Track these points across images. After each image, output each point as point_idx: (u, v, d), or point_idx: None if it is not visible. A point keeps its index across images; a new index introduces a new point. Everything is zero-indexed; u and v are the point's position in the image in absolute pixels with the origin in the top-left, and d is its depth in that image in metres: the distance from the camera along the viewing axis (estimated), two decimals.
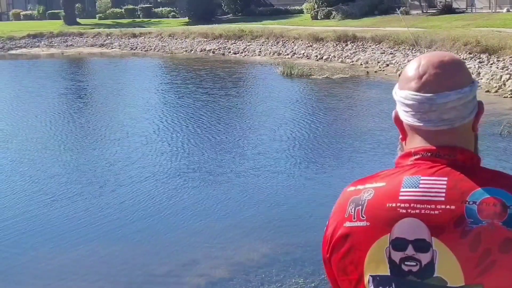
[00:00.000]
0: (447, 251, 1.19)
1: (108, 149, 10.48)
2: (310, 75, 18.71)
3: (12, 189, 8.34)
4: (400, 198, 1.24)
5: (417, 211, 1.22)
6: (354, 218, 1.28)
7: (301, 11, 36.93)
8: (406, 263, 1.21)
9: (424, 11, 28.61)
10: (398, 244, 1.22)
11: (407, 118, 1.31)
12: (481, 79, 15.30)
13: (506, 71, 14.99)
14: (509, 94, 13.62)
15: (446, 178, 1.24)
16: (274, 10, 39.88)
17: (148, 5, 47.99)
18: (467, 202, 1.21)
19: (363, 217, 1.27)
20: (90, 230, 6.75)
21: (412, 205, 1.23)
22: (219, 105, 14.86)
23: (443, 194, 1.22)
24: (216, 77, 20.20)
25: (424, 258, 1.20)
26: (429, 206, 1.22)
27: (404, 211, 1.23)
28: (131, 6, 48.08)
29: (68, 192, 8.10)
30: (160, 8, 47.00)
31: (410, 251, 1.21)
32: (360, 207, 1.28)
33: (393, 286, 1.23)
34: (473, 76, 1.35)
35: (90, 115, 14.34)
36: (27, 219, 7.14)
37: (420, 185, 1.24)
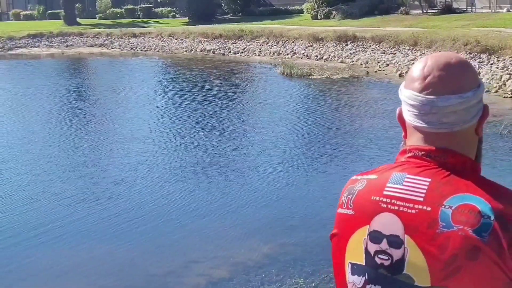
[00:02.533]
0: (418, 250, 1.21)
1: (108, 149, 10.48)
2: (310, 75, 18.71)
3: (12, 189, 8.34)
4: (384, 193, 1.28)
5: (396, 207, 1.25)
6: (344, 206, 1.34)
7: (301, 11, 36.92)
8: (379, 256, 1.25)
9: (424, 11, 28.61)
10: (375, 236, 1.26)
11: (409, 117, 1.33)
12: (481, 79, 15.24)
13: (506, 71, 14.99)
14: (509, 94, 13.62)
15: (429, 179, 1.25)
16: (274, 10, 39.87)
17: (148, 5, 47.98)
18: (443, 206, 1.21)
19: (351, 205, 1.32)
20: (90, 230, 6.75)
21: (393, 201, 1.26)
22: (219, 105, 14.85)
23: (423, 195, 1.24)
24: (216, 77, 20.20)
25: (396, 254, 1.23)
26: (408, 205, 1.24)
27: (385, 205, 1.26)
28: (131, 6, 48.08)
29: (68, 192, 8.10)
30: (160, 8, 46.99)
31: (384, 245, 1.24)
32: (351, 196, 1.33)
33: (366, 276, 1.27)
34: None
35: (90, 115, 14.33)
36: (27, 219, 7.13)
37: (404, 183, 1.27)
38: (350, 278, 1.30)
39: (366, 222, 1.28)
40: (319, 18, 31.93)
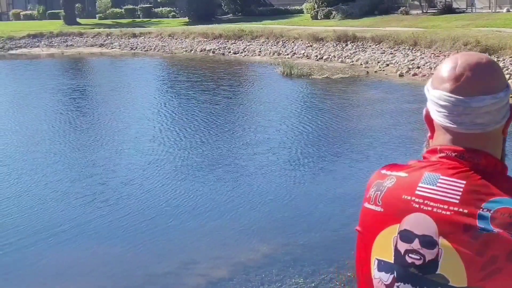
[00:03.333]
0: (453, 252, 1.20)
1: (108, 149, 10.48)
2: (310, 75, 18.71)
3: (12, 189, 8.34)
4: (417, 192, 1.26)
5: (430, 208, 1.24)
6: (371, 201, 1.33)
7: (301, 11, 36.92)
8: (410, 255, 1.24)
9: (424, 11, 28.61)
10: (406, 236, 1.25)
11: (439, 118, 1.31)
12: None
13: (506, 71, 14.99)
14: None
15: (464, 182, 1.24)
16: (274, 10, 39.86)
17: (148, 5, 47.98)
18: (481, 209, 1.21)
19: (379, 202, 1.31)
20: (90, 230, 6.75)
21: (426, 201, 1.25)
22: (218, 105, 14.85)
23: (458, 197, 1.23)
24: (216, 77, 20.20)
25: (429, 254, 1.22)
26: (442, 206, 1.23)
27: (417, 205, 1.25)
28: (131, 6, 48.07)
29: (68, 191, 8.10)
30: (160, 8, 46.99)
31: (416, 245, 1.23)
32: (380, 192, 1.32)
33: (395, 273, 1.26)
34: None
35: (90, 115, 14.34)
36: (27, 219, 7.14)
37: (438, 184, 1.25)
38: (377, 274, 1.30)
39: (396, 221, 1.27)
40: (319, 18, 31.92)
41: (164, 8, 46.65)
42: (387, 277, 1.28)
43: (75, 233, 6.69)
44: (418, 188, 1.27)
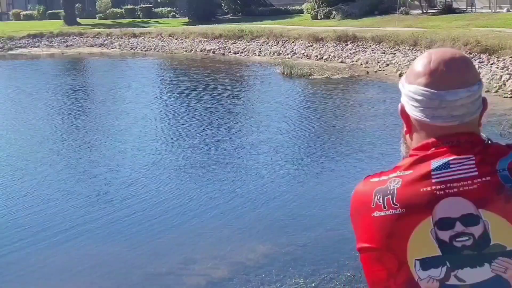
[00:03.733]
0: (498, 218, 1.23)
1: (108, 149, 10.48)
2: (310, 75, 18.70)
3: (12, 189, 8.34)
4: (434, 181, 1.26)
5: (455, 189, 1.25)
6: (384, 207, 1.28)
7: (301, 11, 36.91)
8: (457, 239, 1.23)
9: (424, 11, 28.60)
10: (444, 223, 1.24)
11: (415, 113, 1.32)
12: (481, 79, 15.29)
13: (506, 71, 14.98)
14: (509, 94, 13.62)
15: (471, 155, 1.27)
16: (274, 10, 39.85)
17: (148, 5, 47.97)
18: (498, 171, 1.25)
19: (396, 205, 1.27)
20: (90, 230, 6.75)
21: (448, 185, 1.25)
22: (218, 105, 14.85)
23: (475, 169, 1.26)
24: (216, 77, 20.20)
25: (476, 230, 1.23)
26: (466, 182, 1.25)
27: (441, 192, 1.25)
28: (131, 6, 48.08)
29: (69, 191, 8.10)
30: (160, 8, 46.98)
31: (459, 227, 1.23)
32: (390, 196, 1.28)
33: (448, 264, 1.24)
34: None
35: (90, 115, 14.33)
36: (27, 219, 7.14)
37: (451, 166, 1.27)
38: (423, 274, 1.26)
39: (425, 214, 1.25)
40: (319, 18, 31.92)
41: (164, 8, 46.64)
42: (438, 272, 1.25)
43: (75, 233, 6.69)
44: (433, 176, 1.27)
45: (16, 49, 34.10)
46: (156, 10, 46.71)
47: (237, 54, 26.74)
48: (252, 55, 25.98)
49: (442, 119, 1.29)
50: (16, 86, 19.93)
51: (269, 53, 25.45)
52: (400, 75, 17.50)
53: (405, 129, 1.38)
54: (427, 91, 1.29)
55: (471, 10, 27.31)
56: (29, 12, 53.88)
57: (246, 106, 14.94)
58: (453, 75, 1.29)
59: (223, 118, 13.12)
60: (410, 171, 1.30)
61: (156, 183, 8.35)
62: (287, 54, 24.47)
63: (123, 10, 47.39)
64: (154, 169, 9.03)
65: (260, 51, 26.18)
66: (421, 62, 1.33)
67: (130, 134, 11.64)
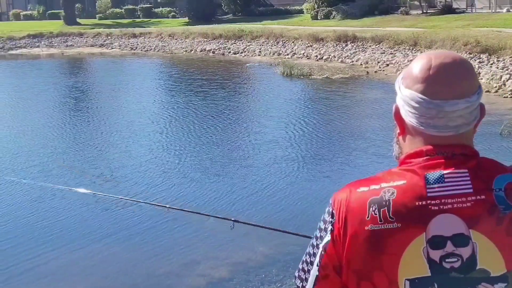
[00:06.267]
0: (487, 240, 1.19)
1: (108, 149, 10.48)
2: (310, 75, 18.71)
3: (12, 188, 8.34)
4: (429, 195, 1.21)
5: (449, 206, 1.20)
6: (380, 220, 1.21)
7: (301, 11, 36.93)
8: (446, 260, 1.19)
9: (424, 11, 28.61)
10: (436, 242, 1.19)
11: (410, 118, 1.28)
12: (481, 79, 15.29)
13: (506, 71, 14.98)
14: (509, 94, 13.62)
15: (465, 170, 1.23)
16: (274, 10, 39.88)
17: (148, 5, 47.99)
18: (494, 190, 1.21)
19: (392, 218, 1.21)
20: (90, 230, 6.75)
21: (443, 200, 1.21)
22: (218, 105, 14.85)
23: (470, 186, 1.21)
24: (216, 77, 20.20)
25: (465, 252, 1.19)
26: (460, 199, 1.20)
27: (436, 207, 1.20)
28: (131, 6, 48.10)
29: (68, 191, 8.09)
30: (160, 8, 47.00)
31: (449, 247, 1.19)
32: (386, 208, 1.22)
33: (436, 286, 1.19)
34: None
35: (90, 115, 14.33)
36: (27, 219, 7.13)
37: (446, 180, 1.22)
38: None
39: (420, 230, 1.19)
40: (319, 18, 31.93)
41: (164, 8, 46.66)
42: None
43: (75, 232, 6.69)
44: (428, 190, 1.21)
45: (16, 49, 34.11)
46: (156, 10, 46.72)
47: (237, 54, 26.74)
48: (252, 55, 25.98)
49: (437, 128, 1.25)
50: (15, 86, 19.93)
51: (269, 53, 25.46)
52: None
53: (398, 130, 1.34)
54: (424, 99, 1.24)
55: (471, 10, 27.32)
56: (29, 12, 53.90)
57: (246, 107, 14.94)
58: (453, 85, 1.24)
59: (222, 118, 13.12)
60: (404, 181, 1.24)
61: (155, 183, 8.35)
62: (287, 54, 24.48)
63: (123, 10, 47.41)
64: (154, 169, 9.02)
65: (260, 51, 26.19)
66: (420, 66, 1.27)
67: (129, 134, 11.63)
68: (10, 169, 9.35)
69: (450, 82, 1.24)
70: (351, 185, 1.31)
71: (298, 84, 17.67)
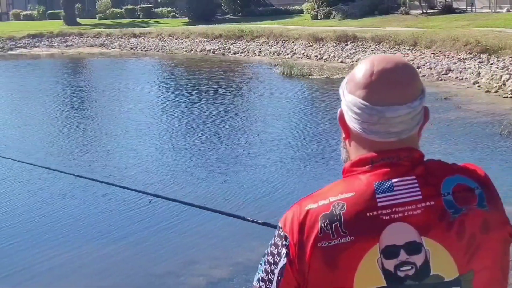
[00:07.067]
0: (438, 246, 1.19)
1: (108, 149, 10.48)
2: (310, 75, 18.71)
3: (12, 189, 8.34)
4: (379, 205, 1.20)
5: (400, 214, 1.20)
6: (333, 236, 1.20)
7: (301, 11, 36.95)
8: (401, 269, 1.19)
9: (424, 11, 28.61)
10: (390, 251, 1.19)
11: (353, 124, 1.27)
12: (481, 79, 15.30)
13: (506, 71, 14.98)
14: (509, 94, 13.61)
15: (413, 177, 1.23)
16: (274, 10, 39.90)
17: (148, 5, 48.02)
18: (442, 195, 1.21)
19: (344, 232, 1.20)
20: (90, 230, 6.75)
21: (394, 209, 1.20)
22: (218, 105, 14.85)
23: (419, 192, 1.21)
24: (216, 77, 20.20)
25: (418, 259, 1.19)
26: (410, 207, 1.20)
27: (387, 217, 1.20)
28: (131, 6, 48.12)
29: (68, 190, 8.10)
30: (160, 8, 47.02)
31: (403, 256, 1.18)
32: (338, 222, 1.20)
33: None
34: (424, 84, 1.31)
35: (90, 115, 14.34)
36: (27, 219, 7.13)
37: (395, 188, 1.21)
38: None
39: (373, 242, 1.19)
40: (319, 18, 31.95)
41: (164, 8, 46.67)
42: None
43: (75, 233, 6.69)
44: (378, 200, 1.20)
45: (16, 49, 34.12)
46: (156, 10, 46.75)
47: (237, 54, 26.75)
48: (252, 55, 25.99)
49: (379, 135, 1.24)
50: (15, 86, 19.92)
51: (269, 53, 25.46)
52: None
53: (343, 135, 1.34)
54: (366, 105, 1.23)
55: (471, 10, 27.33)
56: (29, 12, 53.93)
57: (246, 106, 14.94)
58: (394, 91, 1.23)
59: (222, 118, 13.12)
60: (352, 193, 1.22)
61: (155, 183, 8.35)
62: (287, 54, 24.49)
63: (123, 10, 47.43)
64: (153, 169, 9.03)
65: (260, 51, 26.19)
66: (362, 72, 1.26)
67: (129, 134, 11.63)
68: (8, 168, 9.35)
69: (391, 88, 1.23)
70: (299, 203, 1.29)
71: (298, 84, 17.67)
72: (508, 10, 25.52)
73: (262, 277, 1.30)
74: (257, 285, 1.30)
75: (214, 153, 9.95)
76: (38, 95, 17.64)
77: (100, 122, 13.14)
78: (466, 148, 9.19)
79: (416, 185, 1.22)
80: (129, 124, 12.66)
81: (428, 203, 1.20)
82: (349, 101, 1.27)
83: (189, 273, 5.67)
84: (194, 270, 5.72)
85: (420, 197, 1.21)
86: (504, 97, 13.54)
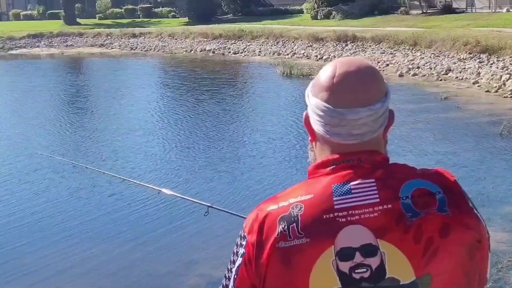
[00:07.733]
0: (394, 249, 1.19)
1: (108, 149, 10.48)
2: (310, 75, 18.71)
3: (12, 189, 8.34)
4: (336, 207, 1.21)
5: (357, 217, 1.20)
6: (290, 237, 1.21)
7: (301, 11, 36.97)
8: (356, 271, 1.19)
9: (424, 11, 28.62)
10: (345, 254, 1.19)
11: (317, 126, 1.30)
12: (481, 79, 15.30)
13: (506, 71, 14.99)
14: (509, 94, 13.62)
15: (373, 180, 1.23)
16: (274, 10, 39.93)
17: (148, 5, 48.05)
18: (400, 198, 1.21)
19: (301, 233, 1.21)
20: (90, 230, 6.75)
21: (350, 212, 1.20)
22: (218, 105, 14.86)
23: (377, 195, 1.21)
24: (216, 77, 20.21)
25: (374, 262, 1.19)
26: (367, 210, 1.20)
27: (343, 219, 1.20)
28: (131, 6, 48.13)
29: (69, 191, 8.11)
30: (160, 8, 47.04)
31: (358, 258, 1.19)
32: (295, 224, 1.22)
33: None
34: (388, 86, 1.32)
35: (90, 115, 14.34)
36: (27, 219, 7.14)
37: (352, 191, 1.22)
38: None
39: (328, 244, 1.19)
40: (319, 18, 31.96)
41: (164, 8, 46.69)
42: None
43: (75, 232, 6.69)
44: (335, 203, 1.21)
45: (16, 49, 34.13)
46: (156, 10, 46.77)
47: (237, 54, 26.76)
48: (252, 55, 25.99)
49: (341, 137, 1.26)
50: (15, 87, 19.93)
51: (269, 53, 25.47)
52: (400, 75, 17.54)
53: (310, 137, 1.37)
54: (328, 107, 1.25)
55: (471, 10, 27.34)
56: (29, 12, 53.95)
57: (246, 106, 14.94)
58: (355, 93, 1.24)
59: (222, 118, 13.12)
60: (311, 195, 1.24)
61: (154, 183, 8.35)
62: (287, 54, 24.49)
63: (123, 10, 47.45)
64: (152, 170, 9.03)
65: (260, 51, 26.20)
66: (325, 75, 1.28)
67: (129, 134, 11.63)
68: (8, 167, 9.35)
69: (352, 90, 1.24)
70: (261, 205, 1.31)
71: (298, 84, 17.67)
72: (508, 10, 25.52)
73: (225, 274, 1.35)
74: (222, 282, 1.36)
75: (212, 153, 9.95)
76: (38, 95, 17.65)
77: (103, 122, 13.14)
78: (466, 148, 9.18)
79: (375, 188, 1.22)
80: (132, 123, 12.66)
81: (385, 206, 1.21)
82: (312, 104, 1.30)
83: (189, 273, 5.67)
84: (194, 270, 5.72)
85: (378, 200, 1.21)
86: (504, 97, 13.54)
